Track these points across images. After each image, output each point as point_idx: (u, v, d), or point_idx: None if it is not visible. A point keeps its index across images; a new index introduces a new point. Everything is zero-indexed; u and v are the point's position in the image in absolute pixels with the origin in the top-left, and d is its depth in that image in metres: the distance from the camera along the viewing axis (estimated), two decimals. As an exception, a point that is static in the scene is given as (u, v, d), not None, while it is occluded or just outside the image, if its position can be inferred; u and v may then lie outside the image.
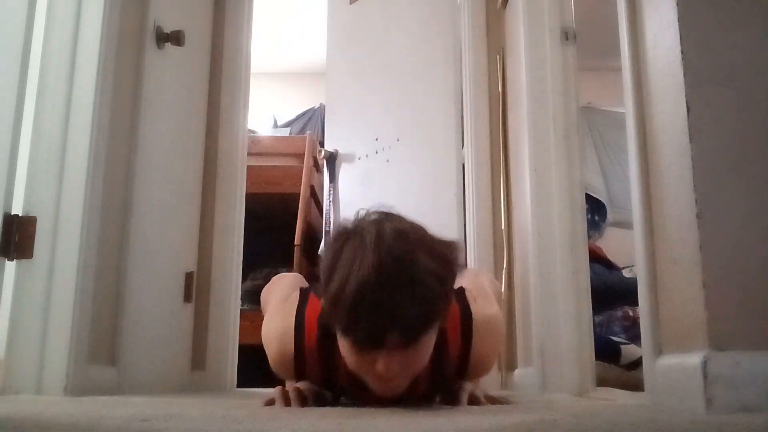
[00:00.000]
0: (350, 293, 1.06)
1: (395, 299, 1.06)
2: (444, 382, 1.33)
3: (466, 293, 1.35)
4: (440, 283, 1.11)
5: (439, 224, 2.52)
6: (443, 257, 1.14)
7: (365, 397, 1.26)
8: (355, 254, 1.09)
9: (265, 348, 1.36)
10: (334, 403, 1.33)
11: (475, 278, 1.59)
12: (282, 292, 1.50)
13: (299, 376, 1.31)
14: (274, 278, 1.70)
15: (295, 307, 1.32)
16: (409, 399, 1.27)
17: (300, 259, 3.35)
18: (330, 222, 3.25)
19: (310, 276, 3.21)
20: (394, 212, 1.19)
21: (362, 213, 1.18)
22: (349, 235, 1.13)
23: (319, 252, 3.27)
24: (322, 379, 1.31)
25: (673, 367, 1.06)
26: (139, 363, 1.89)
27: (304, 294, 1.36)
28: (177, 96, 2.29)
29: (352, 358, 1.14)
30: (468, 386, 1.34)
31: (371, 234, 1.10)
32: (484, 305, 1.38)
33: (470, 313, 1.31)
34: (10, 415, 0.96)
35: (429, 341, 1.16)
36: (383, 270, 1.06)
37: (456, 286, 1.25)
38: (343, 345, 1.15)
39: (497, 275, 2.50)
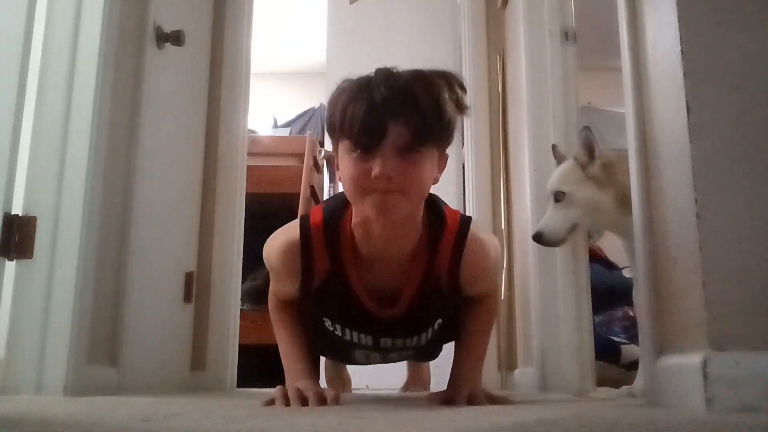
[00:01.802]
0: (354, 86, 1.08)
1: (406, 88, 1.07)
2: (437, 298, 1.33)
3: (473, 221, 1.37)
4: (452, 100, 1.12)
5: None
6: (456, 85, 1.16)
7: (372, 304, 1.28)
8: (364, 81, 1.11)
9: (268, 258, 1.35)
10: (335, 402, 1.33)
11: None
12: None
13: (305, 269, 1.30)
14: None
15: (299, 218, 1.34)
16: (408, 328, 1.29)
17: (300, 259, 3.35)
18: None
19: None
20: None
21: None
22: (356, 76, 1.15)
23: None
24: (328, 269, 1.30)
25: (673, 367, 1.06)
26: (139, 363, 1.89)
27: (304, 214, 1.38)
28: (177, 96, 2.29)
29: (351, 169, 1.14)
30: (467, 386, 1.35)
31: (382, 71, 1.13)
32: (486, 236, 1.39)
33: (467, 228, 1.32)
34: (10, 415, 0.96)
35: (429, 161, 1.16)
36: (392, 74, 1.09)
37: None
38: (345, 160, 1.15)
39: (497, 275, 2.50)
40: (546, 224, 1.84)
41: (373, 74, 1.13)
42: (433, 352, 1.63)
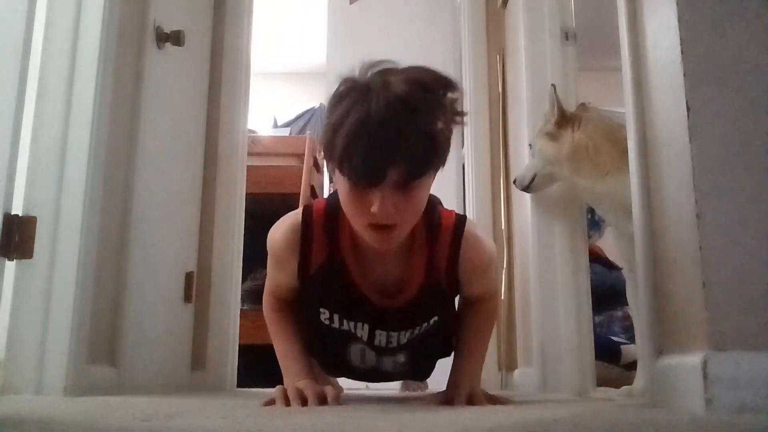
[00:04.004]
0: (353, 121, 1.06)
1: (401, 130, 1.06)
2: (437, 298, 1.35)
3: (468, 220, 1.38)
4: (446, 123, 1.12)
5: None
6: (449, 103, 1.15)
7: (363, 296, 1.30)
8: (360, 93, 1.09)
9: (270, 239, 1.36)
10: (335, 402, 1.33)
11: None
12: None
13: (303, 251, 1.31)
14: None
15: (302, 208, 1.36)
16: (407, 323, 1.30)
17: (300, 259, 3.34)
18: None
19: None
20: (397, 65, 1.19)
21: (367, 64, 1.17)
22: (354, 81, 1.13)
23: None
24: (326, 256, 1.31)
25: (673, 367, 1.06)
26: (139, 363, 1.89)
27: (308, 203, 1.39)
28: (177, 96, 2.29)
29: (349, 198, 1.15)
30: (467, 386, 1.35)
31: (377, 81, 1.11)
32: (481, 233, 1.41)
33: (463, 225, 1.34)
34: (10, 415, 0.96)
35: (425, 187, 1.17)
36: (389, 104, 1.06)
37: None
38: (342, 185, 1.15)
39: (497, 275, 2.50)
40: (519, 172, 2.14)
41: (371, 95, 1.09)
42: (426, 368, 1.64)
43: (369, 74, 1.14)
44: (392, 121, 1.06)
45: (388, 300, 1.33)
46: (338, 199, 1.26)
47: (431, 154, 1.13)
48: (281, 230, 1.34)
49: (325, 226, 1.31)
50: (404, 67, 1.16)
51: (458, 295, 1.45)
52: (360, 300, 1.33)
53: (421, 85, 1.12)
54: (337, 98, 1.14)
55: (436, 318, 1.39)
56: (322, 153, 1.19)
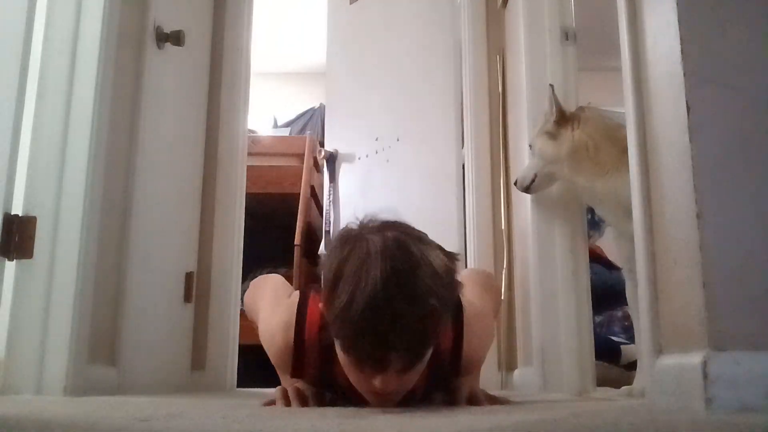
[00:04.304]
0: (355, 315, 1.07)
1: (398, 325, 1.07)
2: (439, 380, 1.34)
3: (465, 314, 1.35)
4: (442, 303, 1.12)
5: (439, 224, 2.53)
6: (446, 272, 1.14)
7: (363, 398, 1.27)
8: (359, 268, 1.09)
9: (265, 343, 1.37)
10: (334, 402, 1.33)
11: (469, 274, 1.60)
12: (275, 291, 1.51)
13: (297, 370, 1.32)
14: (255, 281, 1.68)
15: (296, 303, 1.33)
16: (408, 401, 1.28)
17: (300, 259, 3.35)
18: (330, 222, 3.25)
19: (311, 276, 3.23)
20: (397, 220, 1.19)
21: (366, 218, 1.18)
22: (353, 244, 1.13)
23: (320, 253, 3.26)
24: (320, 375, 1.32)
25: (673, 367, 1.06)
26: (139, 363, 1.89)
27: (304, 293, 1.36)
28: (177, 96, 2.29)
29: (350, 372, 1.17)
30: (467, 386, 1.34)
31: (376, 246, 1.10)
32: (473, 299, 1.40)
33: (461, 308, 1.32)
34: (10, 415, 0.96)
35: (427, 358, 1.17)
36: (387, 290, 1.06)
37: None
38: (343, 358, 1.16)
39: (497, 275, 2.50)
40: (519, 172, 2.13)
41: (371, 281, 1.07)
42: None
43: (367, 238, 1.12)
44: (391, 312, 1.06)
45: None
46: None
47: (427, 343, 1.14)
48: (273, 344, 1.33)
49: (319, 352, 1.29)
50: (398, 230, 1.16)
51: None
52: (355, 398, 1.32)
53: (415, 263, 1.11)
54: (338, 268, 1.11)
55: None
56: (325, 313, 1.18)
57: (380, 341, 1.08)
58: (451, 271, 1.16)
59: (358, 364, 1.13)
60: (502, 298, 2.46)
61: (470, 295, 1.39)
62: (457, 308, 1.31)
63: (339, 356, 1.17)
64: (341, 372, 1.24)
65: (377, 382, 1.12)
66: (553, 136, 1.94)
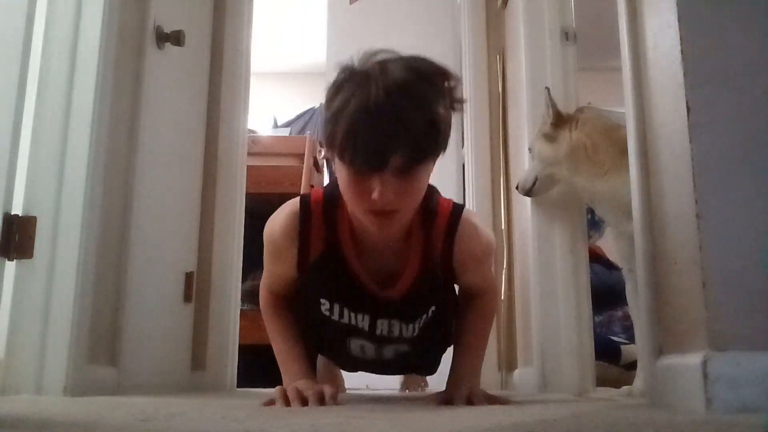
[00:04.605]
0: (354, 108, 1.07)
1: (402, 116, 1.07)
2: (432, 281, 1.34)
3: (466, 208, 1.38)
4: (445, 109, 1.13)
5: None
6: (447, 89, 1.16)
7: (363, 287, 1.31)
8: (359, 81, 1.10)
9: (269, 230, 1.36)
10: (334, 401, 1.33)
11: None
12: None
13: (302, 239, 1.31)
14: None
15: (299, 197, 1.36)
16: (406, 300, 1.32)
17: (300, 259, 3.34)
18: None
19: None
20: (396, 54, 1.19)
21: (365, 53, 1.17)
22: (353, 69, 1.14)
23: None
24: (326, 253, 1.31)
25: (673, 367, 1.06)
26: (139, 363, 1.89)
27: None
28: (177, 96, 2.29)
29: (349, 185, 1.15)
30: (466, 386, 1.34)
31: (376, 69, 1.11)
32: (479, 222, 1.41)
33: (460, 212, 1.34)
34: (10, 415, 0.96)
35: (425, 173, 1.18)
36: (390, 91, 1.07)
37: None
38: (342, 172, 1.15)
39: (497, 275, 2.50)
40: (520, 176, 2.13)
41: (371, 83, 1.09)
42: (429, 360, 1.63)
43: (368, 63, 1.14)
44: (393, 107, 1.07)
45: (386, 289, 1.33)
46: (336, 188, 1.26)
47: (432, 139, 1.14)
48: (280, 219, 1.34)
49: (323, 214, 1.31)
50: (402, 56, 1.17)
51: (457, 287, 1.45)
52: (359, 290, 1.33)
53: (421, 72, 1.13)
54: (337, 87, 1.14)
55: (434, 308, 1.39)
56: (323, 142, 1.20)
57: (378, 133, 1.07)
58: (453, 88, 1.17)
59: (356, 167, 1.11)
60: (503, 298, 2.47)
61: (476, 219, 1.41)
62: (456, 213, 1.33)
63: (339, 177, 1.17)
64: (347, 244, 1.27)
65: (376, 189, 1.11)
66: (551, 138, 1.95)
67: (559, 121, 1.93)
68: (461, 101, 1.19)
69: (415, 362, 1.56)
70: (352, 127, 1.08)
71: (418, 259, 1.31)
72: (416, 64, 1.15)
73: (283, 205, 1.38)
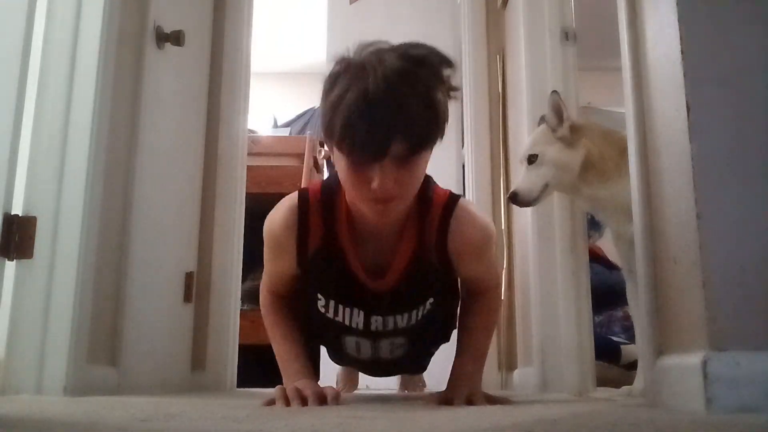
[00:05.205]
0: (352, 98, 1.07)
1: (401, 103, 1.07)
2: (428, 272, 1.34)
3: (463, 198, 1.38)
4: (443, 95, 1.13)
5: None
6: (445, 76, 1.16)
7: (357, 278, 1.31)
8: (356, 71, 1.10)
9: (267, 225, 1.36)
10: (335, 401, 1.33)
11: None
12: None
13: (301, 234, 1.31)
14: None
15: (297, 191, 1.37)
16: (400, 291, 1.31)
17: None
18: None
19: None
20: (390, 44, 1.19)
21: (361, 44, 1.17)
22: (349, 60, 1.14)
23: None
24: (323, 238, 1.31)
25: (673, 367, 1.06)
26: (139, 363, 1.89)
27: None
28: (177, 96, 2.29)
29: (348, 175, 1.15)
30: (467, 386, 1.34)
31: (372, 58, 1.11)
32: (477, 211, 1.40)
33: (455, 201, 1.34)
34: (10, 415, 0.96)
35: (424, 161, 1.18)
36: (387, 79, 1.07)
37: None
38: (341, 163, 1.15)
39: (498, 264, 2.50)
40: (520, 185, 1.93)
41: (368, 72, 1.09)
42: (422, 356, 1.63)
43: (363, 53, 1.14)
44: (391, 95, 1.07)
45: (380, 280, 1.33)
46: (334, 180, 1.26)
47: (431, 126, 1.14)
48: (279, 213, 1.34)
49: (321, 208, 1.32)
50: (398, 44, 1.17)
51: (457, 278, 1.44)
52: (352, 281, 1.33)
53: (417, 59, 1.13)
54: (333, 78, 1.14)
55: (432, 300, 1.38)
56: (322, 134, 1.20)
57: (377, 121, 1.07)
58: (450, 76, 1.17)
59: (356, 156, 1.11)
60: (502, 298, 2.47)
61: (474, 207, 1.41)
62: (452, 201, 1.33)
63: (338, 167, 1.17)
64: (344, 235, 1.27)
65: (375, 178, 1.11)
66: (569, 144, 1.87)
67: (574, 126, 1.89)
68: (458, 89, 1.19)
69: (411, 357, 1.56)
70: (351, 116, 1.08)
71: (411, 248, 1.31)
72: (412, 51, 1.14)
73: (282, 200, 1.38)
